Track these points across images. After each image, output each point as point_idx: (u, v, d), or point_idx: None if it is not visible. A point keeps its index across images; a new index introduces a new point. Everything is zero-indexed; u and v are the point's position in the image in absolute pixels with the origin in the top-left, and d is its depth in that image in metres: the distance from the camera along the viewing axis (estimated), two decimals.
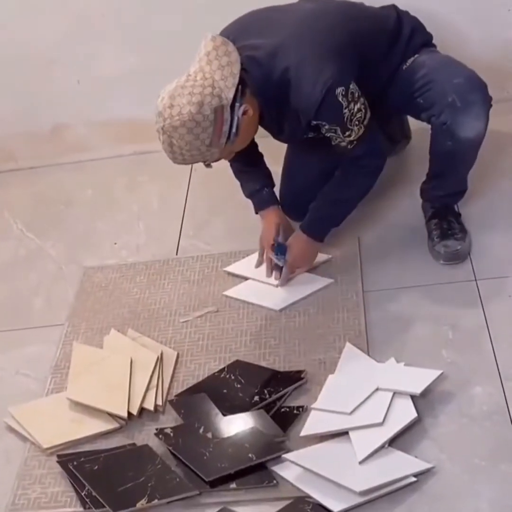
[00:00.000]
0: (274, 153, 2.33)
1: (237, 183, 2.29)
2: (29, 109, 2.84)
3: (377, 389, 1.83)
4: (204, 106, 1.83)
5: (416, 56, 2.11)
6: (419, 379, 1.82)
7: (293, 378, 1.93)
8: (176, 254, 2.43)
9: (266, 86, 1.95)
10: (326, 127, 1.98)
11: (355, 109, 1.95)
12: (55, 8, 2.65)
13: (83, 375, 2.05)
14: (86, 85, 2.78)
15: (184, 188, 2.68)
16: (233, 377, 1.97)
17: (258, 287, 2.22)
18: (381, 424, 1.75)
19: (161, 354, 2.07)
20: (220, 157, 1.97)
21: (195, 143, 1.86)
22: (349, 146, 2.01)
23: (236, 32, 2.02)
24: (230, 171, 2.29)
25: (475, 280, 2.09)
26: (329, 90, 1.91)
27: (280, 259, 2.17)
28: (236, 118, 1.89)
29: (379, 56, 2.07)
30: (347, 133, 1.98)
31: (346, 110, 1.94)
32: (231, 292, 2.22)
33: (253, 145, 2.20)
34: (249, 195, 2.26)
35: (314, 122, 1.98)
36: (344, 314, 2.08)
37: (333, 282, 2.17)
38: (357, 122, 1.97)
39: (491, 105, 2.06)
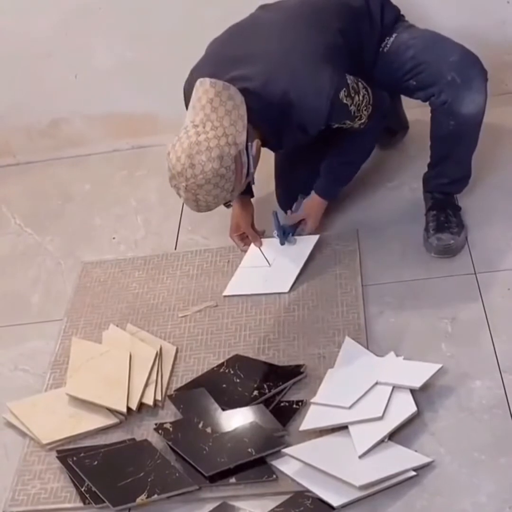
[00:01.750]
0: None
1: None
2: (26, 103, 2.83)
3: (376, 383, 1.83)
4: (225, 158, 1.81)
5: (394, 35, 2.11)
6: (418, 373, 1.82)
7: (293, 372, 1.93)
8: (175, 249, 2.42)
9: (267, 114, 1.92)
10: (336, 125, 2.01)
11: (360, 99, 1.98)
12: (51, 2, 2.64)
13: (82, 371, 2.05)
14: (83, 79, 2.78)
15: None
16: (232, 372, 1.97)
17: (253, 275, 2.22)
18: (380, 418, 1.75)
19: (160, 349, 2.07)
20: (240, 193, 1.98)
21: (221, 194, 1.85)
22: (361, 126, 2.05)
23: (215, 68, 1.95)
24: None
25: (475, 273, 2.08)
26: (333, 99, 1.92)
27: (291, 241, 2.26)
28: (250, 157, 1.88)
29: (359, 41, 2.07)
30: (357, 120, 2.01)
31: (352, 107, 1.97)
32: (230, 290, 2.21)
33: None
34: None
35: (323, 127, 1.99)
36: (343, 308, 2.07)
37: (319, 236, 2.24)
38: (365, 108, 2.01)
39: (487, 79, 2.06)
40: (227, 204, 1.96)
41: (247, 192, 2.25)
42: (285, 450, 1.75)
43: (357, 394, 1.81)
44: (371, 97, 2.02)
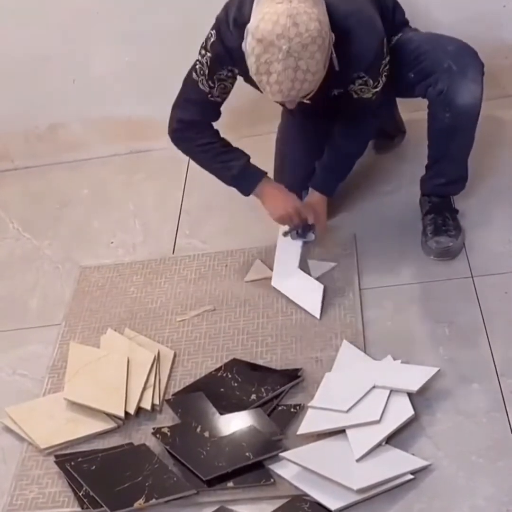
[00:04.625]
0: (266, 151, 2.34)
1: None
2: (25, 108, 2.83)
3: (374, 387, 1.83)
4: (323, 23, 1.76)
5: (400, 34, 2.14)
6: (416, 376, 1.82)
7: (290, 376, 1.93)
8: (173, 253, 2.42)
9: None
10: (364, 79, 1.97)
11: (387, 61, 1.98)
12: (50, 7, 2.64)
13: (80, 375, 2.05)
14: (82, 84, 2.78)
15: (181, 187, 2.68)
16: (230, 376, 1.97)
17: (288, 274, 2.19)
18: (378, 421, 1.75)
19: (158, 353, 2.07)
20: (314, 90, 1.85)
21: (321, 62, 1.76)
22: (373, 98, 2.02)
23: None
24: None
25: (472, 276, 2.08)
26: (383, 41, 1.94)
27: (310, 238, 2.24)
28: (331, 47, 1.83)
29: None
30: (375, 84, 1.99)
31: (383, 61, 1.97)
32: (275, 283, 2.19)
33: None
34: (239, 172, 2.14)
35: (356, 74, 1.96)
36: (341, 312, 2.08)
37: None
38: (385, 73, 2.00)
39: (483, 72, 2.06)
40: (302, 98, 1.84)
41: (263, 171, 2.19)
42: (283, 454, 1.75)
43: (355, 398, 1.81)
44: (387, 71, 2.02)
